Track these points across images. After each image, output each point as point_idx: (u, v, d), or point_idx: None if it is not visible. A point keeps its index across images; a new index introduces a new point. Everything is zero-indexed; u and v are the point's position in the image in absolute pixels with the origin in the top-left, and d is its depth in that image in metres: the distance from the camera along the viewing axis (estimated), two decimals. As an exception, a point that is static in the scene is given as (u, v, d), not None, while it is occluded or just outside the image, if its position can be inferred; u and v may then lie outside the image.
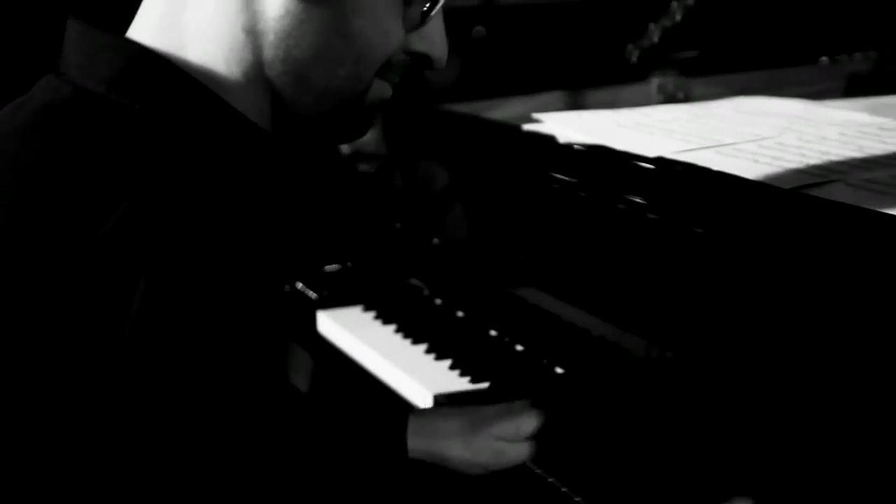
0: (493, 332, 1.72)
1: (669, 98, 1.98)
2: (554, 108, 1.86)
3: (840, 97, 1.98)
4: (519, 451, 1.35)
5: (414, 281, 1.91)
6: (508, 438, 1.35)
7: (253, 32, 0.99)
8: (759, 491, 1.20)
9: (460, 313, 1.80)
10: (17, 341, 0.88)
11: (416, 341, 1.73)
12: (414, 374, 1.63)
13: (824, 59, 2.13)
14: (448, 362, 1.65)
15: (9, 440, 0.91)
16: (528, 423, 1.35)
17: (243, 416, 0.91)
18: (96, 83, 0.98)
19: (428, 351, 1.70)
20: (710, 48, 2.00)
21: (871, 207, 1.21)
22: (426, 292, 1.88)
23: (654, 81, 2.00)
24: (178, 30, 1.01)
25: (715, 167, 1.40)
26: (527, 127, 1.71)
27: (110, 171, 0.92)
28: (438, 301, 1.85)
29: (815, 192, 1.28)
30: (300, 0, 0.98)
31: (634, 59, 1.98)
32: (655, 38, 1.94)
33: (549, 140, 1.63)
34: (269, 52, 1.00)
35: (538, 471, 1.37)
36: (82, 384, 0.87)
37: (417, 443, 1.33)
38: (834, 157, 1.41)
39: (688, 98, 1.97)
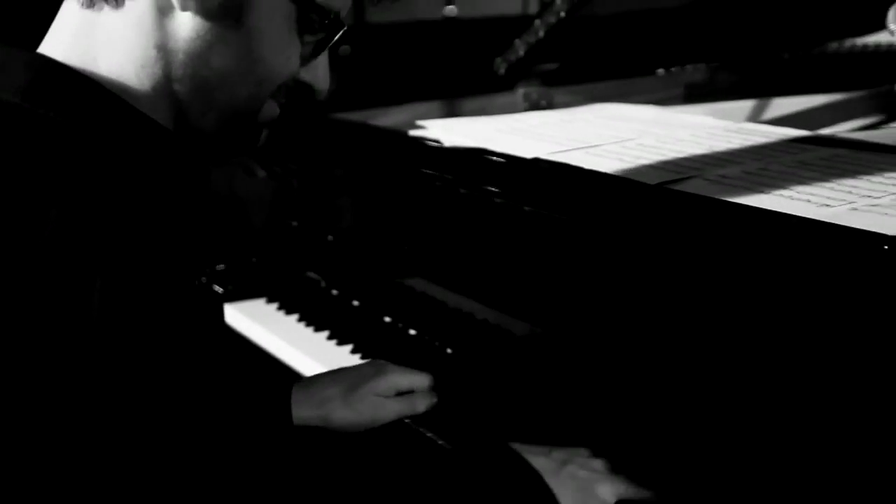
0: (387, 319, 1.73)
1: (534, 105, 2.03)
2: (433, 116, 1.88)
3: (681, 104, 2.05)
4: (396, 406, 1.37)
5: (311, 274, 1.91)
6: (384, 393, 1.37)
7: (164, 50, 0.99)
8: (600, 443, 1.26)
9: (356, 302, 1.81)
10: None
11: (318, 329, 1.74)
12: (318, 358, 1.63)
13: (661, 70, 2.19)
14: (349, 347, 1.66)
15: None
16: (401, 378, 1.39)
17: (181, 396, 0.92)
18: (10, 94, 0.96)
19: (330, 337, 1.70)
20: (568, 61, 2.05)
21: (726, 199, 1.25)
22: (323, 284, 1.88)
23: (520, 91, 2.04)
24: (90, 45, 1.00)
25: (586, 166, 1.44)
26: (413, 132, 1.73)
27: (33, 177, 0.90)
28: (335, 292, 1.85)
29: (677, 187, 1.32)
30: (211, 24, 0.99)
31: (502, 71, 2.02)
32: (521, 52, 1.98)
33: (434, 143, 1.65)
34: (178, 70, 1.00)
35: (417, 427, 1.39)
36: (39, 378, 0.85)
37: (304, 410, 1.33)
38: (689, 156, 1.46)
39: (550, 105, 2.01)
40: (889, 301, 1.03)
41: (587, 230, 1.38)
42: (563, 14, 1.90)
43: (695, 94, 2.14)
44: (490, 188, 1.52)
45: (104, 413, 0.87)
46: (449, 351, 1.61)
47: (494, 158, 1.55)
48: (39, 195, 0.88)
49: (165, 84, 1.01)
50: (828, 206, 1.19)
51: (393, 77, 1.58)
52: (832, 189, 1.25)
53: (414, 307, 1.71)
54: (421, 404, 1.37)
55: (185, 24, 0.99)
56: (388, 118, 1.90)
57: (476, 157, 1.58)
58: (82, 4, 1.00)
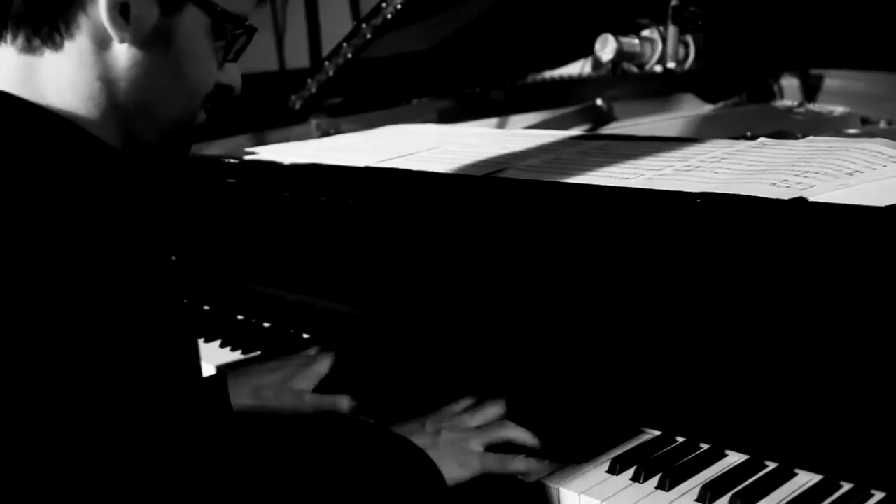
0: (240, 317, 1.65)
1: (325, 133, 1.99)
2: (246, 146, 1.81)
3: (443, 122, 2.09)
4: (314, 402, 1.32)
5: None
6: (311, 383, 1.34)
7: (106, 80, 0.92)
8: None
9: (206, 307, 1.70)
10: None
11: (183, 331, 1.62)
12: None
13: (415, 100, 2.22)
14: (218, 342, 1.56)
15: None
16: (322, 364, 1.36)
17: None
18: None
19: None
20: (350, 95, 2.03)
21: (549, 180, 1.29)
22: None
23: (313, 122, 2.00)
24: (34, 85, 0.90)
25: (414, 168, 1.43)
26: (248, 157, 1.65)
27: None
28: (185, 300, 1.74)
29: (499, 176, 1.34)
30: (145, 52, 0.92)
31: (297, 106, 1.97)
32: (313, 90, 1.94)
33: (274, 164, 1.59)
34: (121, 96, 0.93)
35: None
36: None
37: (242, 398, 1.26)
38: (491, 156, 1.48)
39: (338, 132, 1.98)
40: (711, 246, 1.09)
41: (433, 220, 1.37)
42: (349, 55, 1.88)
43: (445, 118, 2.18)
44: (331, 195, 1.48)
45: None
46: (305, 336, 1.55)
47: (331, 171, 1.51)
48: None
49: (111, 109, 0.93)
50: (627, 178, 1.25)
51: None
52: (622, 168, 1.31)
53: (260, 305, 1.64)
54: (344, 402, 1.31)
55: (123, 55, 0.91)
56: (213, 149, 1.81)
57: (314, 171, 1.53)
58: (21, 50, 0.90)
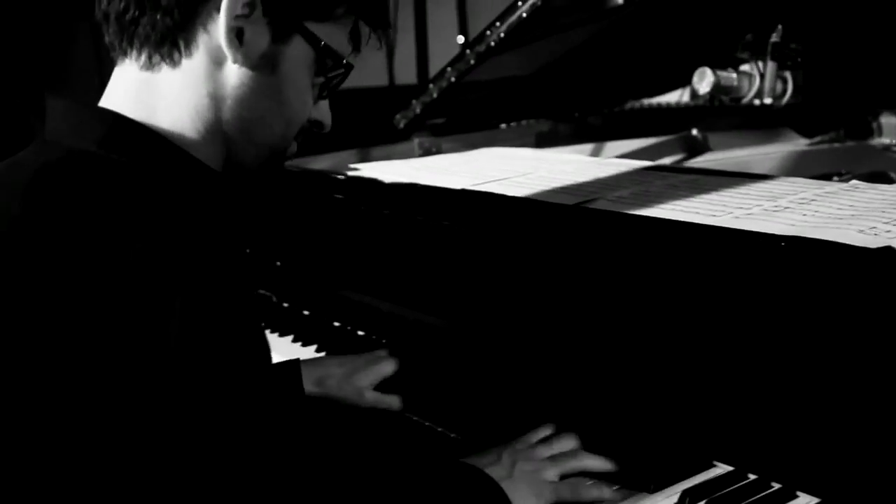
0: (336, 323, 1.69)
1: (426, 152, 2.02)
2: (351, 161, 1.85)
3: (536, 147, 2.10)
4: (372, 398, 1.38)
5: (262, 291, 1.83)
6: (373, 382, 1.39)
7: (215, 98, 0.96)
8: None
9: (306, 312, 1.75)
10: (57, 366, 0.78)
11: (282, 334, 1.66)
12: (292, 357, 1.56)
13: (515, 123, 2.23)
14: (314, 347, 1.60)
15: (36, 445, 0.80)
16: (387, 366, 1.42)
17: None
18: (87, 144, 0.91)
19: (294, 340, 1.64)
20: (453, 116, 2.06)
21: (635, 213, 1.28)
22: (274, 299, 1.81)
23: (416, 140, 2.03)
24: (149, 100, 0.95)
25: (507, 193, 1.44)
26: (351, 174, 1.69)
27: (116, 214, 0.84)
28: (286, 304, 1.79)
29: (589, 206, 1.34)
30: (253, 73, 0.95)
31: (402, 125, 2.01)
32: (418, 110, 1.97)
33: (375, 181, 1.62)
34: (227, 114, 0.97)
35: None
36: (119, 394, 0.78)
37: (308, 385, 1.33)
38: (582, 183, 1.48)
39: (439, 151, 2.01)
40: (795, 288, 1.07)
41: (520, 245, 1.37)
42: (452, 79, 1.90)
43: (543, 141, 2.18)
44: (423, 215, 1.50)
45: (176, 427, 0.80)
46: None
47: (429, 190, 1.53)
48: (124, 229, 0.83)
49: (216, 126, 0.97)
50: (714, 216, 1.23)
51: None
52: (709, 204, 1.30)
53: (355, 313, 1.67)
54: (395, 402, 1.37)
55: (233, 75, 0.95)
56: (318, 163, 1.85)
57: (413, 191, 1.56)
58: (142, 67, 0.95)
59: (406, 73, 3.26)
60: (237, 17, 0.92)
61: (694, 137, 2.13)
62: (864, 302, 1.01)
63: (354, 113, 2.30)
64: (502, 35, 1.80)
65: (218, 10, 0.92)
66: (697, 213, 1.25)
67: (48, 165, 0.90)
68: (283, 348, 1.62)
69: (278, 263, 1.81)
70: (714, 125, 2.16)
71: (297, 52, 0.97)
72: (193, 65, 0.94)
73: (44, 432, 0.79)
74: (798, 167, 1.86)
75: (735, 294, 1.11)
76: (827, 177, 1.80)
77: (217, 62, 0.94)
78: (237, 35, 0.93)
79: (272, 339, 1.66)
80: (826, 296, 1.04)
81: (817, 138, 2.13)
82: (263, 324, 1.72)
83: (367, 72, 3.49)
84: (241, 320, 0.89)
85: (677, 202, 1.32)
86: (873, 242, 1.06)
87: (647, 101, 2.31)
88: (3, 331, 0.79)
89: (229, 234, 1.01)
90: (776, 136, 2.17)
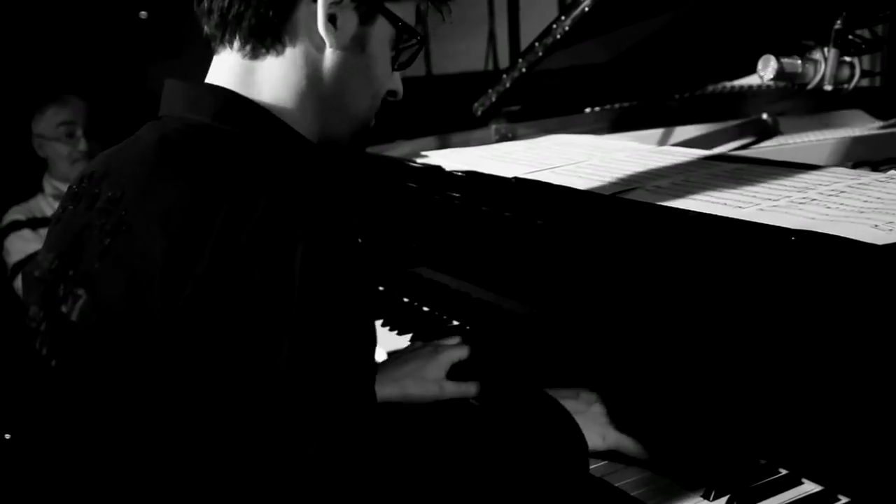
0: (405, 300, 1.72)
1: (503, 137, 2.02)
2: (430, 148, 1.87)
3: (609, 133, 2.06)
4: (453, 388, 1.33)
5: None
6: (445, 368, 1.34)
7: (313, 79, 1.00)
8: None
9: (381, 287, 1.79)
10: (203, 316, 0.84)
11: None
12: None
13: (588, 109, 2.19)
14: (381, 321, 1.64)
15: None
16: (455, 353, 1.36)
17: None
18: (203, 117, 0.97)
19: (365, 314, 1.68)
20: (528, 103, 2.05)
21: (664, 204, 1.26)
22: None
23: (493, 127, 2.03)
24: (253, 84, 1.00)
25: (554, 182, 1.44)
26: (419, 161, 1.72)
27: (240, 175, 0.89)
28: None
29: (626, 196, 1.33)
30: (346, 54, 1.00)
31: (479, 112, 2.01)
32: (493, 98, 1.97)
33: (438, 168, 1.64)
34: (325, 91, 1.01)
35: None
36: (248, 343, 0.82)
37: (386, 388, 1.29)
38: (629, 172, 1.46)
39: (514, 137, 2.01)
40: (800, 283, 1.03)
41: (560, 231, 1.37)
42: (524, 69, 1.89)
43: (617, 127, 2.14)
44: (481, 200, 1.51)
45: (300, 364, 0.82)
46: (455, 323, 1.60)
47: (485, 178, 1.55)
48: (248, 187, 0.87)
49: (314, 103, 1.01)
50: (740, 207, 1.20)
51: (397, 118, 1.56)
52: (741, 194, 1.26)
53: (424, 290, 1.70)
54: (472, 388, 1.33)
55: (329, 57, 1.00)
56: (396, 150, 1.89)
57: (471, 178, 1.57)
58: (245, 56, 1.00)
59: (502, 60, 3.25)
60: (331, 4, 0.97)
61: (764, 121, 2.05)
62: (869, 299, 0.97)
63: (448, 98, 2.32)
64: (567, 28, 1.77)
65: (314, 0, 0.96)
66: (725, 204, 1.22)
67: (164, 139, 0.97)
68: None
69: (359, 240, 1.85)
70: (786, 108, 2.07)
71: (381, 31, 1.02)
72: (295, 52, 0.99)
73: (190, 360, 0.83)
74: (862, 151, 1.76)
75: (742, 288, 1.08)
76: (892, 161, 1.71)
77: (317, 48, 0.99)
78: (332, 21, 0.98)
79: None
80: (833, 291, 1.00)
81: (892, 121, 2.01)
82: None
83: (470, 58, 3.48)
84: (357, 272, 0.89)
85: (711, 192, 1.29)
86: (883, 239, 1.01)
87: (727, 85, 2.23)
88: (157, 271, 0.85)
89: (336, 199, 1.03)
90: (849, 118, 2.06)
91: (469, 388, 1.32)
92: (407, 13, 1.04)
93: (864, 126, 1.99)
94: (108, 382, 0.90)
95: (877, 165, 1.72)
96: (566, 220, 1.36)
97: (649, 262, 1.20)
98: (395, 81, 1.08)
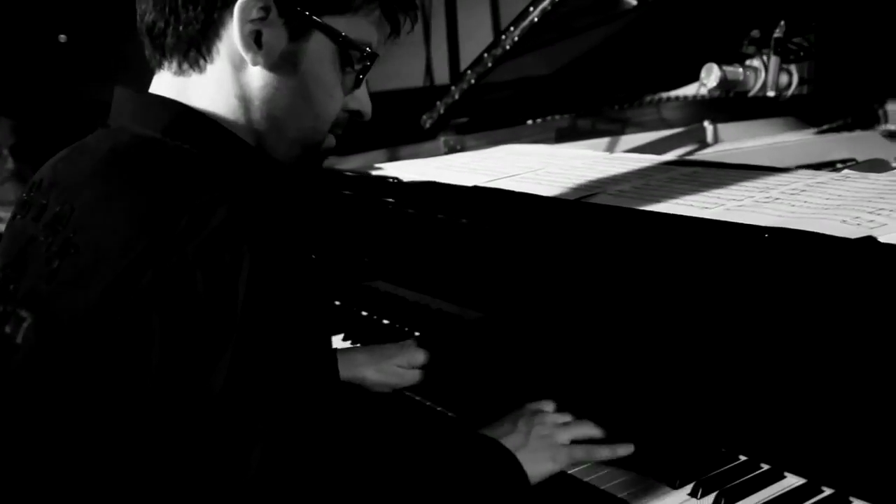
0: (363, 313, 1.67)
1: (451, 149, 1.99)
2: (381, 161, 1.83)
3: (555, 143, 2.05)
4: (412, 376, 1.37)
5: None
6: (404, 366, 1.37)
7: (243, 99, 0.94)
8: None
9: (337, 302, 1.74)
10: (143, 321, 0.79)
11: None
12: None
13: (536, 120, 2.17)
14: (342, 335, 1.58)
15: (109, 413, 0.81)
16: (417, 355, 1.38)
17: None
18: (152, 131, 0.92)
19: (324, 329, 1.62)
20: (475, 115, 2.02)
21: (629, 207, 1.24)
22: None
23: (441, 139, 2.00)
24: (187, 98, 0.95)
25: (516, 189, 1.41)
26: (374, 172, 1.67)
27: (195, 189, 0.84)
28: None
29: (590, 201, 1.31)
30: (275, 74, 0.94)
31: (427, 125, 1.98)
32: (442, 111, 1.94)
33: (395, 179, 1.60)
34: (255, 113, 0.95)
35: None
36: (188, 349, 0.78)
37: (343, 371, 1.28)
38: (589, 179, 1.44)
39: (463, 149, 1.98)
40: (775, 279, 1.02)
41: (525, 238, 1.34)
42: (472, 81, 1.87)
43: (563, 136, 2.14)
44: (440, 210, 1.48)
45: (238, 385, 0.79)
46: (416, 334, 1.55)
47: (444, 188, 1.51)
48: (204, 202, 0.82)
49: (248, 124, 0.95)
50: (706, 208, 1.19)
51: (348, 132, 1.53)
52: (705, 196, 1.25)
53: (381, 303, 1.65)
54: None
55: (256, 77, 0.94)
56: (349, 163, 1.83)
57: (430, 188, 1.53)
58: (175, 73, 0.95)
59: (443, 75, 3.23)
60: (252, 20, 0.91)
61: (705, 129, 2.06)
62: (846, 293, 0.96)
63: (392, 114, 2.28)
64: (515, 40, 1.76)
65: (233, 16, 0.91)
66: (691, 205, 1.21)
67: (113, 151, 0.92)
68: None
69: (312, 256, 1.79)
70: (724, 117, 2.09)
71: (318, 47, 0.94)
72: (217, 69, 0.94)
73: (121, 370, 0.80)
74: (803, 156, 1.79)
75: (718, 286, 1.07)
76: (831, 164, 1.74)
77: (239, 66, 0.93)
78: (255, 38, 0.91)
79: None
80: (808, 286, 0.99)
81: (825, 127, 2.05)
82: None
83: (408, 74, 3.46)
84: (307, 284, 0.85)
85: (674, 195, 1.27)
86: (854, 233, 1.01)
87: (664, 95, 2.24)
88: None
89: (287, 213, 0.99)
90: (785, 125, 2.10)
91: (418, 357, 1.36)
92: (356, 26, 0.95)
93: (798, 132, 2.02)
94: (48, 404, 0.85)
95: (817, 169, 1.74)
96: (533, 227, 1.33)
97: (622, 265, 1.18)
98: (359, 101, 1.01)
